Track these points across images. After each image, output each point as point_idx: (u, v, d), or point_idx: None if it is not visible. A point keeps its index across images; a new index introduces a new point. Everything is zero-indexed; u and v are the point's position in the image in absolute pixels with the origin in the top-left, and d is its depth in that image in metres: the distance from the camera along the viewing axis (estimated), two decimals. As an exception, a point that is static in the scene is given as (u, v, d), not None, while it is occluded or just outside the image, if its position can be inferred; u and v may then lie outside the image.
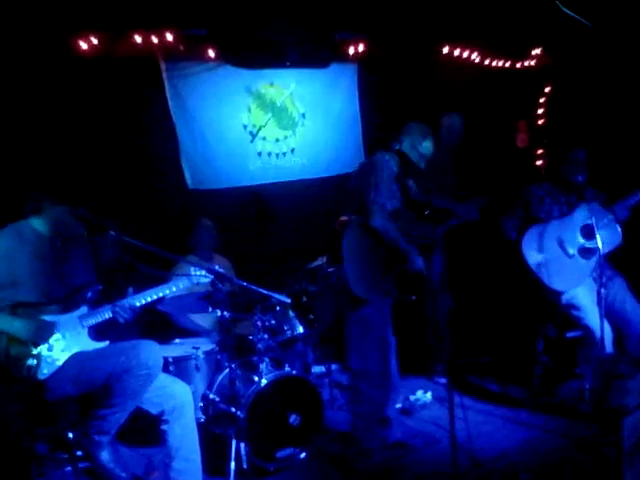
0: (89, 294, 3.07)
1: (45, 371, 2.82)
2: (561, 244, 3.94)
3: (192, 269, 3.26)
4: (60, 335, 2.91)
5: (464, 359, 4.72)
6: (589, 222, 3.75)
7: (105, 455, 2.91)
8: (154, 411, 3.00)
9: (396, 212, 3.44)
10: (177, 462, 2.96)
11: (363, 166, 3.67)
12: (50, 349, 2.86)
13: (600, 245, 3.52)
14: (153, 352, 2.95)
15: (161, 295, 3.16)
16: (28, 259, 2.94)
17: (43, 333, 2.84)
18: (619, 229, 3.87)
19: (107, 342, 3.07)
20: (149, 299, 3.11)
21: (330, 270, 3.84)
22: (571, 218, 3.98)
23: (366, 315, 3.46)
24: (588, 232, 3.85)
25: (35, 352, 2.81)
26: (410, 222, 3.53)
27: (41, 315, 2.89)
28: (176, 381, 3.12)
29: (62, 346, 2.90)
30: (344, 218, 3.49)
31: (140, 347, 2.91)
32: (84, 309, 3.03)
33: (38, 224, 3.03)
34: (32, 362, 2.79)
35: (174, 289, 3.18)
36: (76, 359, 2.91)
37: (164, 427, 2.98)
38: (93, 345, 3.01)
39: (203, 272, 3.20)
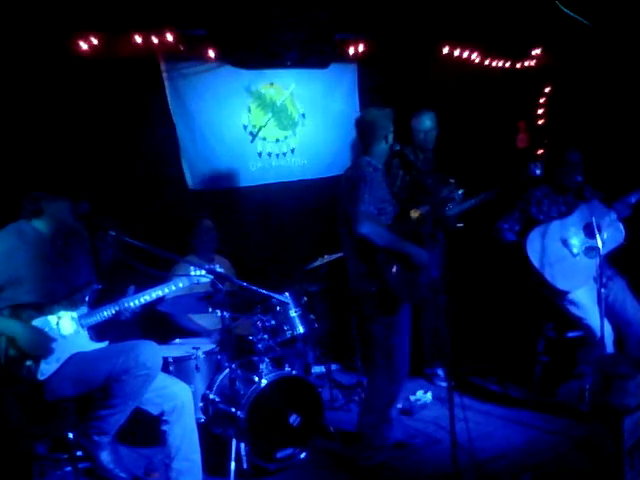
0: (88, 294, 3.07)
1: (44, 371, 2.82)
2: (565, 244, 3.94)
3: (192, 269, 3.26)
4: (60, 335, 2.91)
5: (464, 366, 4.73)
6: (591, 221, 3.75)
7: (105, 455, 2.91)
8: (154, 411, 3.00)
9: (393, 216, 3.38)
10: (177, 462, 2.97)
11: (347, 172, 3.52)
12: (50, 350, 2.86)
13: (603, 243, 3.52)
14: (153, 352, 2.95)
15: (160, 294, 3.16)
16: (28, 259, 2.94)
17: (40, 347, 2.83)
18: (622, 227, 3.87)
19: (107, 342, 3.08)
20: (149, 298, 3.11)
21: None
22: (573, 217, 3.97)
23: (399, 318, 3.41)
24: (591, 231, 3.83)
25: (35, 352, 2.81)
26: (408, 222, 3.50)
27: (41, 315, 2.89)
28: (176, 381, 3.12)
29: (62, 346, 2.90)
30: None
31: (139, 347, 2.91)
32: (84, 309, 3.03)
33: (39, 224, 3.04)
34: (31, 362, 2.80)
35: (173, 287, 3.19)
36: (75, 359, 2.91)
37: (164, 427, 2.98)
38: (93, 345, 3.02)
39: (203, 272, 3.20)
